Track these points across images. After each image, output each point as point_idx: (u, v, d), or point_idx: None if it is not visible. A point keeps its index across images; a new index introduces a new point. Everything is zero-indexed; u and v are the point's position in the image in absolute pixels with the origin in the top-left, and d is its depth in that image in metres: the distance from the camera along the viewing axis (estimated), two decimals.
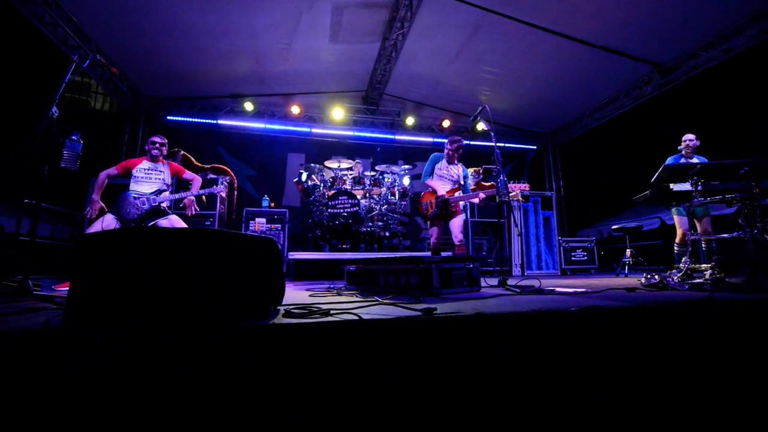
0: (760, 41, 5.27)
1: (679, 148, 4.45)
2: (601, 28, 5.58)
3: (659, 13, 5.18)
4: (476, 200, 3.86)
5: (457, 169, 4.08)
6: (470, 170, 4.47)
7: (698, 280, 2.59)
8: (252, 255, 1.32)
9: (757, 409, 1.49)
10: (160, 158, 3.65)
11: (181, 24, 5.44)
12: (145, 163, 3.56)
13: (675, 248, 4.51)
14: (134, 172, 3.49)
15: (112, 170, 3.47)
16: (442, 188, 3.97)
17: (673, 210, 4.45)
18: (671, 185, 4.14)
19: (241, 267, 1.27)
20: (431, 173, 4.10)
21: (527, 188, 3.69)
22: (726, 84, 7.34)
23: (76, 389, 1.00)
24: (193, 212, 3.60)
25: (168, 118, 7.48)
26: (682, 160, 4.33)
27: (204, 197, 4.82)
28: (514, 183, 3.68)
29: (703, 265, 3.25)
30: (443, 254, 4.26)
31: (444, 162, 4.11)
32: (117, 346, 1.04)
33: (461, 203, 4.01)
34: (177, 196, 3.57)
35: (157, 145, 3.59)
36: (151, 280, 1.16)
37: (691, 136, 4.39)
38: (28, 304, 1.76)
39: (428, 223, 4.11)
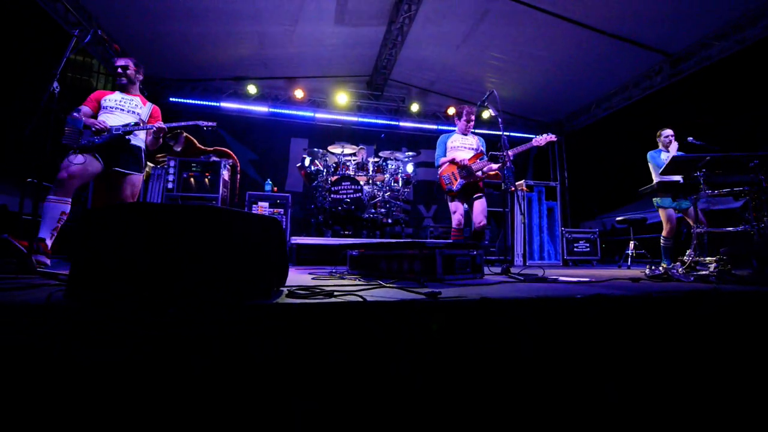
0: None
1: (659, 141, 4.53)
2: (613, 15, 5.44)
3: (672, 1, 5.04)
4: (494, 167, 3.50)
5: (473, 139, 3.80)
6: None
7: (703, 272, 2.58)
8: (255, 234, 1.31)
9: (761, 398, 1.49)
10: (137, 92, 3.07)
11: (185, 4, 5.33)
12: (117, 94, 2.96)
13: (662, 242, 4.46)
14: (103, 102, 2.89)
15: (86, 109, 2.82)
16: (464, 156, 3.62)
17: (656, 200, 4.39)
18: (673, 177, 4.11)
19: (245, 245, 1.26)
20: (445, 152, 3.78)
21: (554, 138, 3.52)
22: (738, 75, 7.19)
23: (79, 364, 1.00)
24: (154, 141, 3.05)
25: (171, 99, 7.40)
26: (663, 155, 4.35)
27: (207, 179, 4.80)
28: (539, 137, 3.51)
29: (708, 258, 3.24)
30: (443, 242, 4.19)
31: (456, 135, 3.82)
32: (118, 323, 1.04)
33: (481, 175, 3.62)
34: (150, 126, 2.92)
35: (119, 70, 2.95)
36: (154, 256, 1.14)
37: (670, 131, 4.46)
38: (32, 281, 1.76)
39: (451, 198, 3.71)
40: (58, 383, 0.98)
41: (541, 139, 3.51)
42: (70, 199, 2.57)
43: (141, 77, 3.11)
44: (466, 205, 3.77)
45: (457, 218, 3.68)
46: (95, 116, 2.85)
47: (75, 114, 2.42)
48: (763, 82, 7.27)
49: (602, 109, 8.02)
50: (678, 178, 3.69)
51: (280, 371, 1.09)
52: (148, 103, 3.13)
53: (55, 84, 2.12)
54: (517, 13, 5.50)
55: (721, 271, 2.36)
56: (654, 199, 4.43)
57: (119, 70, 2.96)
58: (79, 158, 2.60)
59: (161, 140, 3.05)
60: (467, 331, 1.26)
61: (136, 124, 2.89)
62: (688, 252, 3.34)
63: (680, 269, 2.90)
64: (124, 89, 3.02)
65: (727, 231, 3.31)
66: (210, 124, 3.20)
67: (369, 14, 5.92)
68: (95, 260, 1.18)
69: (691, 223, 4.20)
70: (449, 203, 3.75)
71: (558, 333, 1.33)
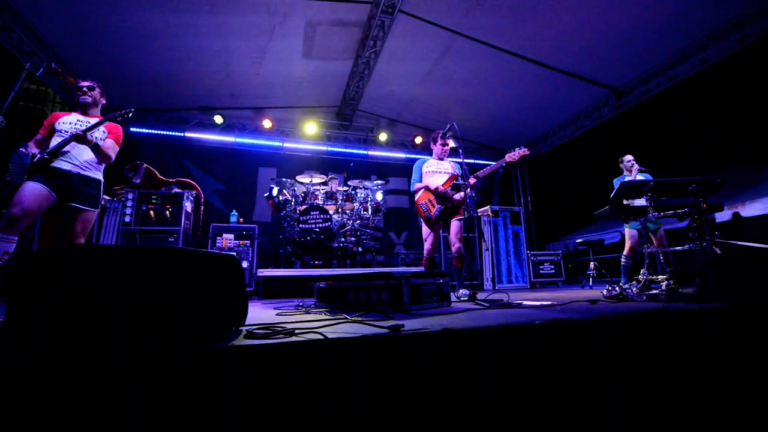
0: (700, 69, 5.79)
1: (622, 167, 4.81)
2: (561, 53, 5.93)
3: (613, 41, 5.59)
4: (473, 181, 3.41)
5: (449, 164, 3.79)
6: None
7: (655, 291, 2.73)
8: (212, 273, 1.27)
9: (708, 408, 1.56)
10: (97, 114, 2.87)
11: (148, 35, 5.31)
12: (73, 116, 2.76)
13: (622, 260, 4.73)
14: (57, 125, 2.65)
15: (38, 135, 2.65)
16: (438, 181, 3.58)
17: (626, 224, 4.71)
18: (626, 201, 4.41)
19: (200, 286, 1.21)
20: (420, 177, 3.74)
21: (527, 151, 3.54)
22: (673, 106, 7.95)
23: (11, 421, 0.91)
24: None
25: (131, 129, 7.19)
26: (627, 179, 4.67)
27: (168, 211, 4.63)
28: (513, 151, 3.51)
29: (660, 277, 3.44)
30: (413, 270, 4.14)
31: (432, 160, 3.81)
32: (51, 376, 0.96)
33: (460, 198, 3.53)
34: (63, 139, 2.57)
35: (84, 88, 2.80)
36: (97, 302, 1.08)
37: (630, 156, 4.76)
38: None
39: (429, 225, 3.63)
40: None
41: (514, 154, 3.51)
42: (16, 238, 2.37)
43: (104, 101, 2.96)
44: (444, 232, 3.72)
45: (426, 247, 3.64)
46: (47, 141, 2.64)
47: (21, 149, 2.29)
48: (698, 111, 8.07)
49: (558, 138, 8.57)
50: (642, 201, 3.86)
51: (237, 420, 1.03)
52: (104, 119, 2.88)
53: (1, 118, 2.01)
54: (475, 50, 5.89)
55: (670, 289, 2.50)
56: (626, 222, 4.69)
57: (84, 88, 2.80)
58: (31, 188, 2.38)
59: (106, 152, 2.74)
60: (430, 362, 1.25)
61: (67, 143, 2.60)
62: (642, 271, 3.53)
63: (635, 289, 3.05)
64: (84, 110, 2.83)
65: (675, 250, 3.55)
66: (125, 111, 2.84)
67: (336, 49, 6.13)
68: (32, 306, 1.10)
69: (655, 243, 4.47)
70: (423, 230, 3.71)
71: (519, 359, 1.35)
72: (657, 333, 1.65)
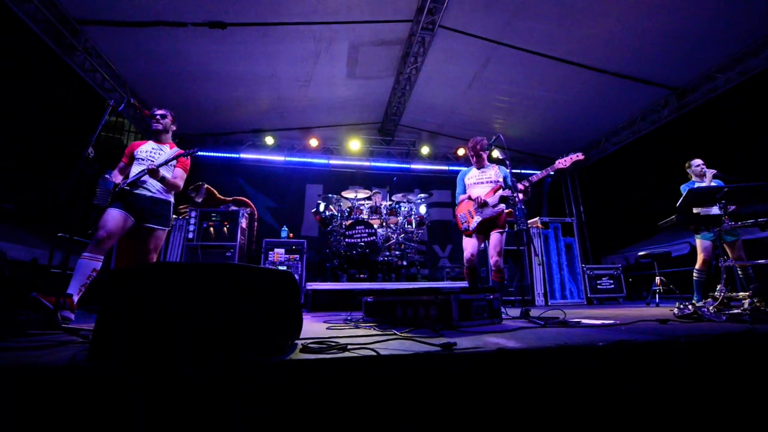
0: None
1: (689, 172, 4.43)
2: (613, 55, 5.63)
3: (672, 38, 5.20)
4: (522, 186, 3.23)
5: (492, 171, 3.63)
6: None
7: (736, 310, 2.45)
8: (271, 289, 1.34)
9: None
10: (169, 140, 3.15)
11: (208, 68, 5.81)
12: (149, 144, 3.04)
13: (694, 274, 4.28)
14: (136, 153, 2.96)
15: (120, 164, 2.99)
16: (480, 192, 3.51)
17: (698, 234, 4.28)
18: (696, 209, 4.02)
19: (260, 301, 1.28)
20: (464, 189, 3.69)
21: (581, 156, 3.36)
22: (745, 105, 7.18)
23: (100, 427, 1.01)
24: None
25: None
26: (697, 186, 4.25)
27: (225, 228, 4.94)
28: (564, 157, 3.35)
29: (741, 294, 3.07)
30: (459, 285, 4.02)
31: (474, 170, 3.70)
32: (137, 385, 1.05)
33: (501, 209, 3.46)
34: (141, 173, 2.81)
35: (158, 116, 3.06)
36: (173, 316, 1.18)
37: (699, 160, 4.33)
38: (56, 338, 1.81)
39: (467, 236, 3.56)
40: None
41: (566, 160, 3.34)
42: (102, 257, 2.68)
43: (174, 128, 3.22)
44: (483, 244, 3.65)
45: (467, 256, 3.54)
46: (129, 168, 2.95)
47: (106, 176, 2.60)
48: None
49: (611, 144, 8.06)
50: (716, 209, 3.52)
51: (290, 420, 1.07)
52: (175, 148, 3.15)
53: (90, 149, 2.30)
54: (517, 58, 5.77)
55: (755, 308, 2.23)
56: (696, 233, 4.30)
57: (158, 116, 3.06)
58: (114, 214, 2.68)
59: (174, 182, 2.99)
60: (484, 383, 1.22)
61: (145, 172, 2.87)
62: (718, 287, 3.18)
63: (711, 307, 2.76)
64: (157, 137, 3.10)
65: (758, 263, 3.17)
66: (193, 151, 3.07)
67: (378, 67, 6.30)
68: (116, 320, 1.23)
69: (732, 256, 4.01)
70: (463, 240, 3.63)
71: (580, 384, 1.27)
72: (742, 358, 1.48)
